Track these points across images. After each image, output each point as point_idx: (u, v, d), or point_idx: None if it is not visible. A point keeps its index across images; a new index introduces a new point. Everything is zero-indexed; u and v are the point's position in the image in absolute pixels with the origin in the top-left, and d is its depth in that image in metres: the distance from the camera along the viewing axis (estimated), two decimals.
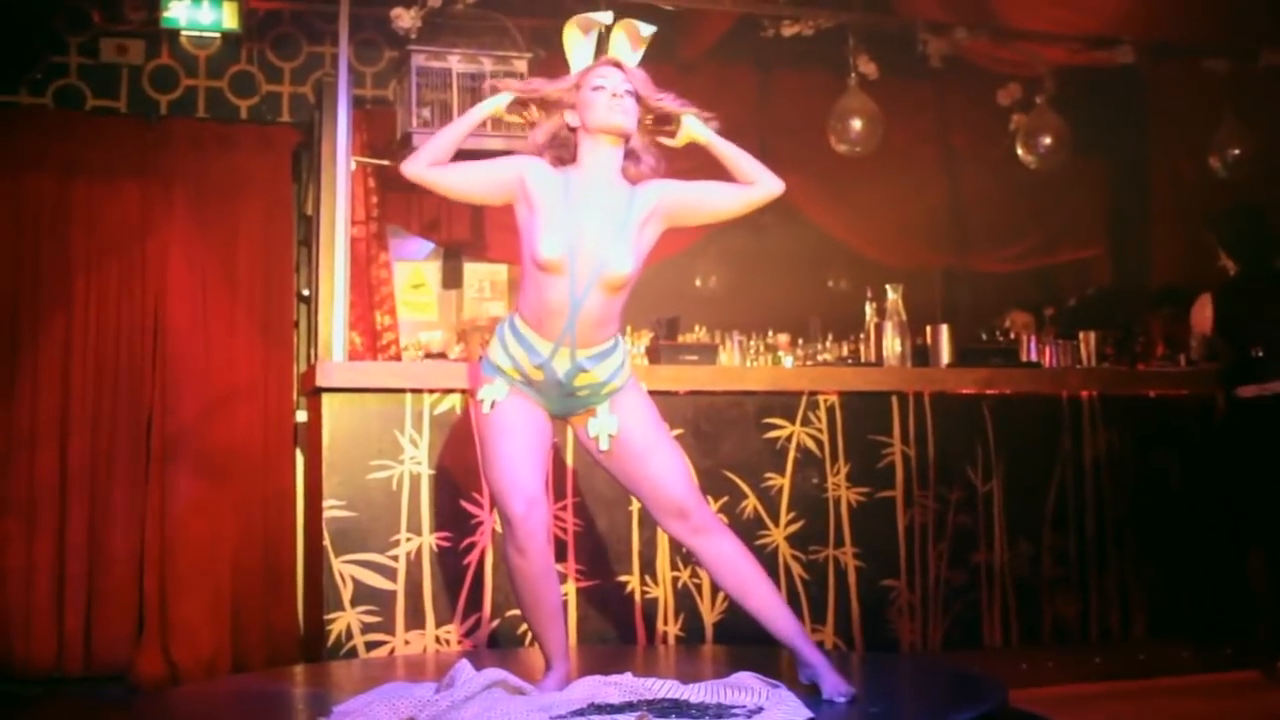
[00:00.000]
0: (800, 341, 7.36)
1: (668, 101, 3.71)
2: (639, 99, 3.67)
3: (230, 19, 6.59)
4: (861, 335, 6.35)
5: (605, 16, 3.77)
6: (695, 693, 3.53)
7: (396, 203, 6.93)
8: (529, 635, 4.95)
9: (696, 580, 5.16)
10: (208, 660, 5.97)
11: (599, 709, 3.37)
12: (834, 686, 3.57)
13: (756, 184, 3.69)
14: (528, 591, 3.65)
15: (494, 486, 3.64)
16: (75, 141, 6.44)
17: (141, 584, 6.12)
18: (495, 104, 3.75)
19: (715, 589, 5.13)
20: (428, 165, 3.66)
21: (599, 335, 3.65)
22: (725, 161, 3.71)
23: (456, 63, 5.81)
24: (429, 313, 7.60)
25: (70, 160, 6.40)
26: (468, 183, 3.73)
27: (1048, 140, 6.89)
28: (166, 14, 6.52)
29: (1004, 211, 7.86)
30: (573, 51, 3.76)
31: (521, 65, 5.88)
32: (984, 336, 6.46)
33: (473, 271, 7.69)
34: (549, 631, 3.70)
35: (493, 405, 3.63)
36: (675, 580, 5.15)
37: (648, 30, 3.72)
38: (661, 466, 3.71)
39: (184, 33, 6.66)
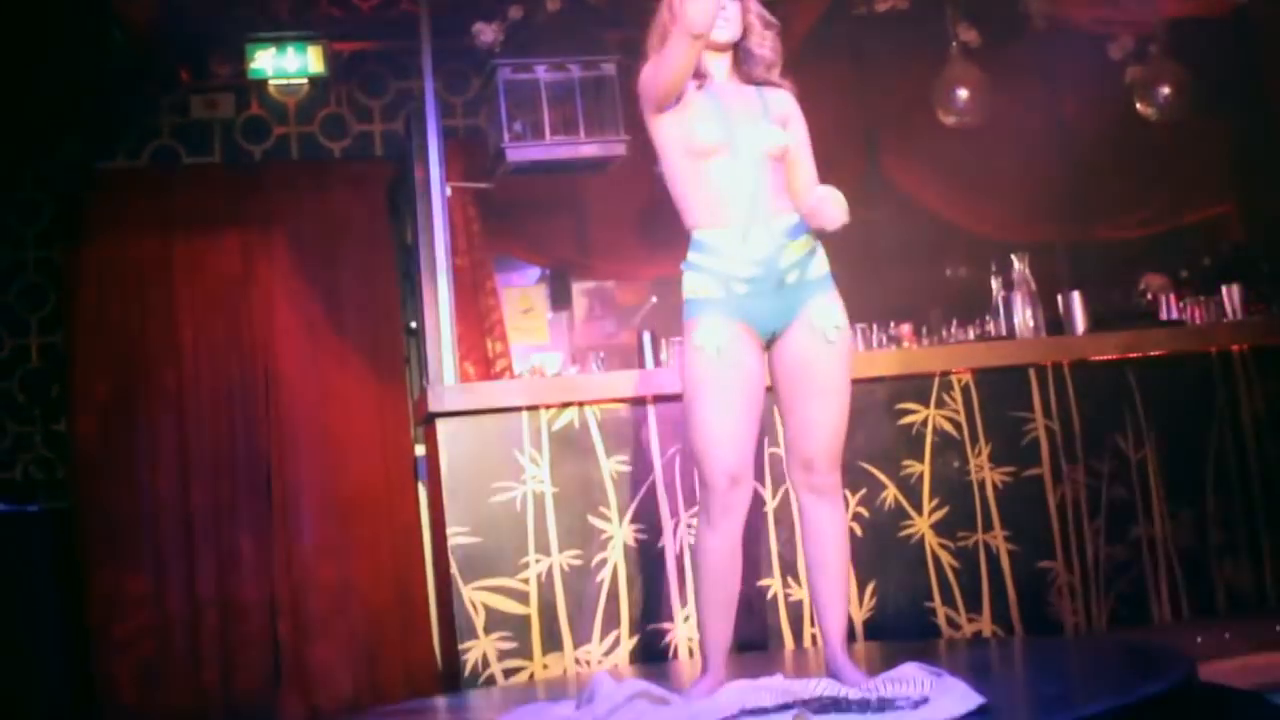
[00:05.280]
0: (924, 330, 7.10)
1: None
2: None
3: (316, 64, 6.57)
4: (988, 315, 6.08)
5: None
6: (854, 688, 3.31)
7: (499, 229, 6.85)
8: (672, 647, 4.76)
9: None
10: (348, 701, 5.94)
11: (751, 714, 3.16)
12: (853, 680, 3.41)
13: (819, 212, 3.51)
14: (708, 572, 3.56)
15: (698, 448, 3.53)
16: (173, 199, 6.49)
17: (275, 630, 6.11)
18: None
19: (862, 585, 4.90)
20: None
21: (782, 205, 3.59)
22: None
23: (543, 73, 5.69)
24: (540, 336, 7.50)
25: (169, 217, 6.45)
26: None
27: (1166, 90, 6.56)
28: (253, 65, 6.53)
29: (1125, 177, 7.55)
30: None
31: (610, 68, 5.73)
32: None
33: (581, 291, 7.59)
34: (716, 625, 3.57)
35: (718, 351, 3.50)
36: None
37: None
38: (818, 414, 3.57)
39: (271, 82, 6.66)
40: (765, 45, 3.71)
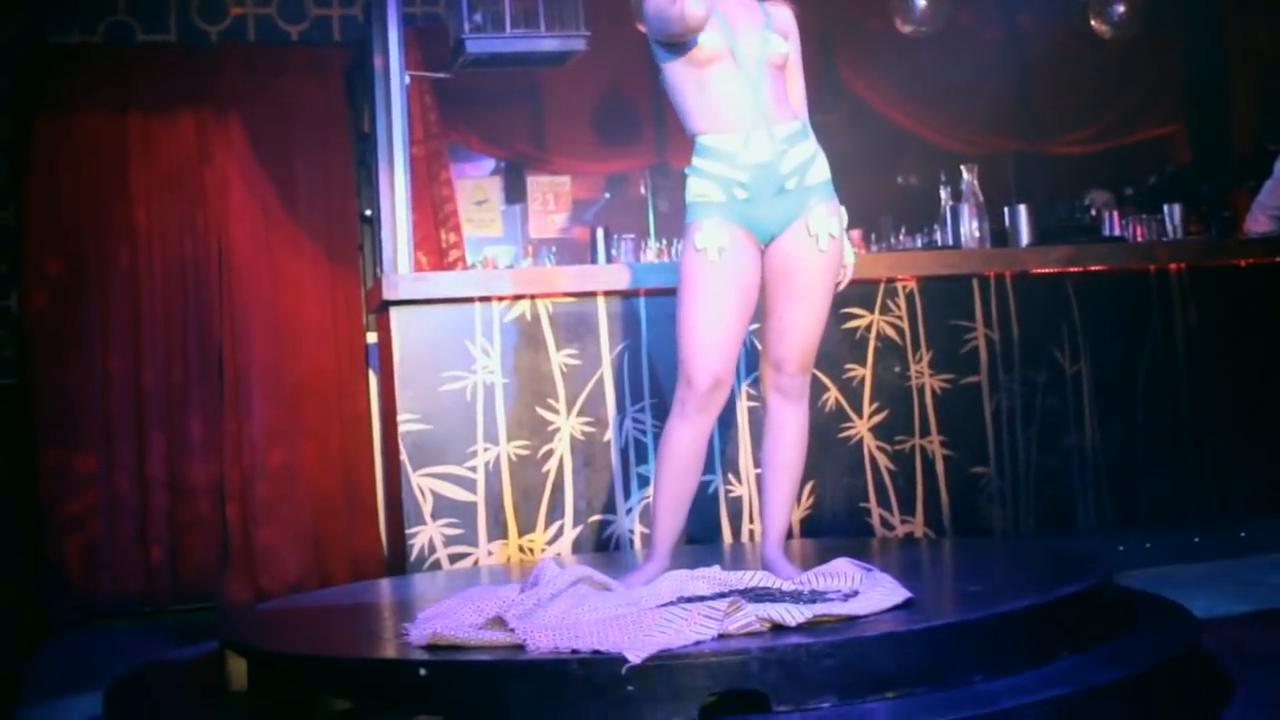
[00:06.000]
0: (873, 237, 7.20)
1: None
2: None
3: None
4: (936, 224, 6.18)
5: None
6: (787, 581, 3.45)
7: (455, 119, 6.82)
8: (615, 539, 4.89)
9: None
10: (294, 584, 5.97)
11: (688, 601, 3.28)
12: (786, 573, 3.57)
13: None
14: (672, 465, 3.66)
15: (686, 348, 3.62)
16: (128, 76, 6.38)
17: (223, 513, 6.14)
18: None
19: (801, 484, 5.01)
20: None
21: (783, 112, 3.66)
22: None
23: None
24: (494, 229, 7.53)
25: (123, 95, 6.33)
26: None
27: (1121, 8, 6.64)
28: None
29: (1076, 92, 7.61)
30: None
31: None
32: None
33: (536, 184, 7.62)
34: (669, 516, 3.70)
35: (719, 253, 3.58)
36: (759, 477, 5.04)
37: None
38: (796, 317, 3.69)
39: None
40: None
